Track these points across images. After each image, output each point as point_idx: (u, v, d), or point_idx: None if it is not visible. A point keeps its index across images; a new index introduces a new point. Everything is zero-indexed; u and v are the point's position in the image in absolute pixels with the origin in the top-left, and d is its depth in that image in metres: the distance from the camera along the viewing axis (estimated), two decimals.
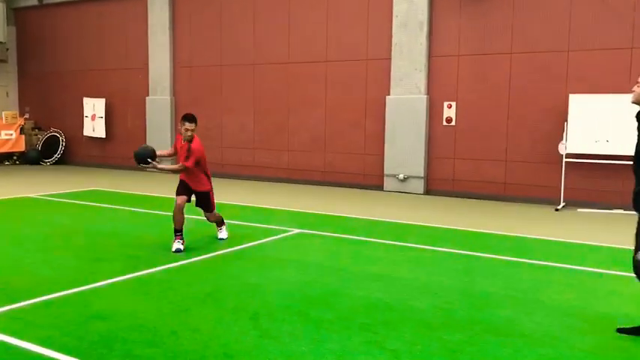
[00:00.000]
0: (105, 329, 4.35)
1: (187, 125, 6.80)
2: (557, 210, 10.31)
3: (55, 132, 17.74)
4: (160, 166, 6.80)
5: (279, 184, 13.71)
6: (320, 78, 13.31)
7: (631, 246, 7.58)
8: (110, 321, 4.52)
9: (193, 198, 7.12)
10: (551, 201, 10.79)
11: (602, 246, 7.55)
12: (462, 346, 4.14)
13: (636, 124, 4.59)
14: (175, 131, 15.59)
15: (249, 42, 14.24)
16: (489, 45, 11.36)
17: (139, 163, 6.72)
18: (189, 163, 6.77)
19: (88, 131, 17.10)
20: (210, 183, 7.15)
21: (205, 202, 7.14)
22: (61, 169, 16.44)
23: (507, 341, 4.24)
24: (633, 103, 4.65)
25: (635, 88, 4.61)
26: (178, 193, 6.90)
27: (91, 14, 17.04)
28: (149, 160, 6.65)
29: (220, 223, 7.49)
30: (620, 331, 4.42)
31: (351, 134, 13.01)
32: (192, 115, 6.88)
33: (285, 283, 5.65)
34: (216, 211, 7.32)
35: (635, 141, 4.56)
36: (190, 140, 6.83)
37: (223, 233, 7.47)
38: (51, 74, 18.09)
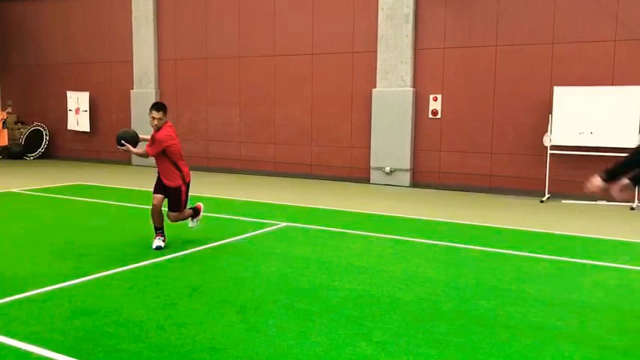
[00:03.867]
0: (90, 324, 4.32)
1: (154, 114, 6.59)
2: (542, 202, 10.39)
3: (39, 126, 17.55)
4: (132, 148, 6.71)
5: (265, 177, 13.68)
6: (306, 71, 13.28)
7: (615, 237, 7.70)
8: (95, 316, 4.49)
9: None
10: (537, 193, 10.88)
11: (586, 237, 7.62)
12: (447, 337, 4.17)
13: None
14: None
15: (235, 34, 14.16)
16: (475, 37, 11.40)
17: (117, 143, 6.72)
18: (150, 151, 6.62)
19: (72, 125, 16.93)
20: (183, 179, 6.73)
21: (173, 199, 6.72)
22: (45, 164, 16.27)
23: (492, 332, 4.27)
24: None
25: None
26: (154, 191, 6.75)
27: (74, 6, 16.85)
28: (123, 142, 6.62)
29: (194, 215, 7.14)
30: None
31: (337, 127, 13.01)
32: (159, 103, 6.69)
33: (272, 277, 5.65)
34: (186, 210, 6.91)
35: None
36: (158, 129, 6.63)
37: (194, 223, 7.12)
38: (34, 67, 17.88)
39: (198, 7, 14.63)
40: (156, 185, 6.79)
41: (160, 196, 6.69)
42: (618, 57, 10.19)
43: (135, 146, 6.69)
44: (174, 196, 6.74)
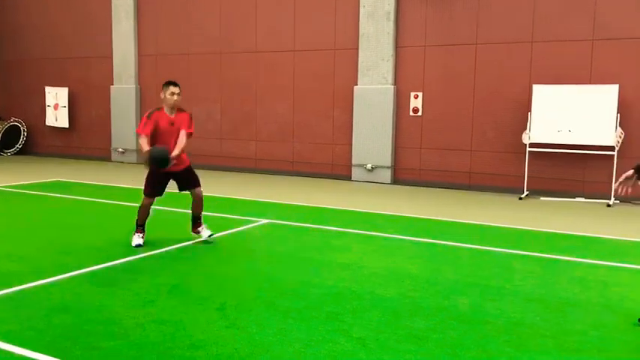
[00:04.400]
0: (68, 322, 4.28)
1: (172, 89, 6.31)
2: (520, 199, 10.51)
3: (16, 122, 17.28)
4: (176, 153, 6.29)
5: (246, 174, 13.64)
6: (288, 67, 13.25)
7: (592, 233, 7.81)
8: (74, 314, 4.45)
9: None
10: (515, 190, 11.00)
11: (563, 233, 7.72)
12: (427, 333, 4.20)
13: None
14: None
15: (216, 30, 14.08)
16: (455, 36, 11.47)
17: (161, 166, 6.13)
18: (192, 131, 6.55)
19: (50, 121, 16.72)
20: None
21: (193, 176, 6.64)
22: (23, 160, 16.05)
23: (471, 328, 4.31)
24: None
25: None
26: (156, 193, 6.46)
27: (53, 0, 16.61)
28: (168, 158, 6.08)
29: (199, 217, 6.86)
30: None
31: (319, 124, 13.01)
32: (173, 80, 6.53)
33: (253, 274, 5.64)
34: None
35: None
36: (178, 109, 6.46)
37: (207, 231, 6.82)
38: (12, 62, 17.61)
39: (179, 1, 14.52)
40: (161, 185, 6.48)
41: (155, 199, 6.53)
42: (596, 56, 10.33)
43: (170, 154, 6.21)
44: (192, 172, 6.67)
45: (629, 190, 4.29)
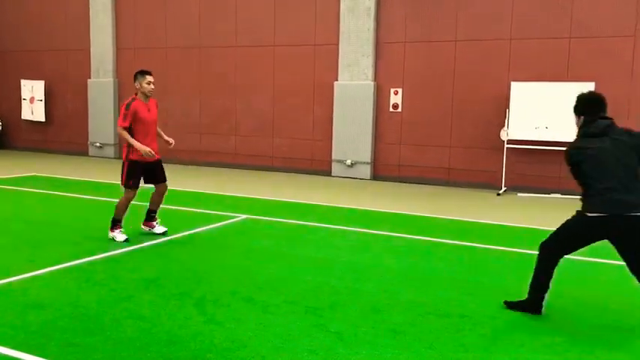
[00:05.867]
0: (44, 318, 4.23)
1: (149, 78, 6.47)
2: (498, 195, 10.61)
3: None
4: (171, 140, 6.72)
5: (225, 169, 13.58)
6: (267, 62, 13.20)
7: None
8: (49, 310, 4.40)
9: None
10: (493, 186, 11.10)
11: (539, 229, 7.81)
12: (405, 327, 4.23)
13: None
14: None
15: (195, 24, 13.97)
16: (435, 32, 11.52)
17: None
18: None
19: (26, 115, 16.46)
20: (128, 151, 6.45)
21: (163, 169, 6.73)
22: None
23: (449, 322, 4.35)
24: None
25: None
26: (137, 185, 6.47)
27: None
28: None
29: (155, 211, 6.86)
30: (507, 304, 4.65)
31: (299, 119, 12.99)
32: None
33: (232, 269, 5.62)
34: (124, 190, 6.45)
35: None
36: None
37: (161, 227, 6.86)
38: None
39: None
40: (141, 176, 6.51)
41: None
42: (572, 53, 10.46)
43: None
44: (162, 165, 6.71)
45: None
